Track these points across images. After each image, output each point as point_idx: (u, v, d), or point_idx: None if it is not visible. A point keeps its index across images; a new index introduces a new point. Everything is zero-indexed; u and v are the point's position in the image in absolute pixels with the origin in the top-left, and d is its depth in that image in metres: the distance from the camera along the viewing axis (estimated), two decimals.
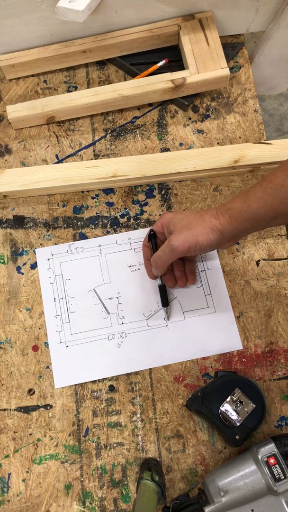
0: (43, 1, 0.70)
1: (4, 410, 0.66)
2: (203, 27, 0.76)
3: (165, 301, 0.68)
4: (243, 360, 0.68)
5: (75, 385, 0.67)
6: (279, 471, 0.55)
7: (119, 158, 0.75)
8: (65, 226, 0.74)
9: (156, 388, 0.67)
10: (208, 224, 0.59)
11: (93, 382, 0.67)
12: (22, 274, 0.71)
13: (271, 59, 0.87)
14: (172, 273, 0.69)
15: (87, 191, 0.75)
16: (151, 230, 0.68)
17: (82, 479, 0.63)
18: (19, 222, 0.74)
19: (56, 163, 0.77)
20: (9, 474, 0.63)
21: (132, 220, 0.74)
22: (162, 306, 0.68)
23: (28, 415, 0.66)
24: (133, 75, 0.80)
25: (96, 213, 0.74)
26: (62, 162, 0.77)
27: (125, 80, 0.81)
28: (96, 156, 0.77)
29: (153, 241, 0.67)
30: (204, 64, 0.75)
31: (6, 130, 0.79)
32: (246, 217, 0.56)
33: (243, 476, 0.56)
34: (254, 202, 0.55)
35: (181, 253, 0.60)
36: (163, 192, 0.75)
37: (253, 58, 0.88)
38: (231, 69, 0.81)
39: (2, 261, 0.72)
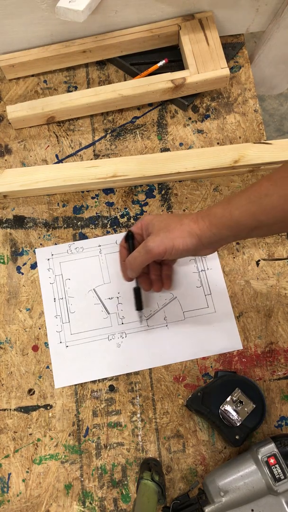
0: (43, 1, 0.70)
1: (4, 410, 0.66)
2: (203, 27, 0.76)
3: (139, 305, 0.66)
4: (243, 360, 0.68)
5: (75, 385, 0.67)
6: (279, 471, 0.55)
7: (119, 158, 0.75)
8: (65, 226, 0.74)
9: (156, 388, 0.67)
10: (187, 228, 0.57)
11: (93, 382, 0.67)
12: (22, 274, 0.71)
13: (271, 59, 0.87)
14: (148, 276, 0.67)
15: (87, 191, 0.75)
16: (129, 231, 0.66)
17: (82, 479, 0.63)
18: (19, 222, 0.74)
19: (56, 163, 0.77)
20: (9, 474, 0.63)
21: (132, 220, 0.74)
22: (136, 309, 0.67)
23: (28, 415, 0.66)
24: (133, 75, 0.80)
25: (96, 213, 0.74)
26: (62, 162, 0.77)
27: (125, 80, 0.81)
28: (96, 156, 0.77)
29: (130, 242, 0.65)
30: (204, 64, 0.75)
31: (6, 130, 0.79)
32: (227, 224, 0.55)
33: (243, 476, 0.56)
34: (236, 209, 0.53)
35: (156, 255, 0.58)
36: (163, 192, 0.75)
37: (253, 58, 0.88)
38: (231, 69, 0.81)
39: (2, 261, 0.72)
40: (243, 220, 0.53)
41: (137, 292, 0.67)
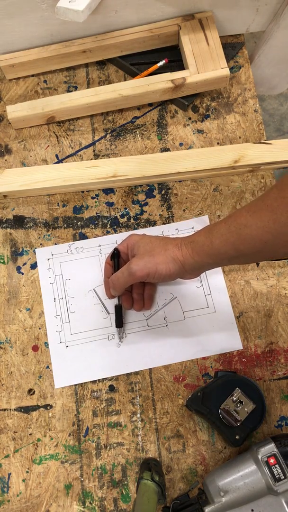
0: (43, 1, 0.70)
1: (4, 410, 0.66)
2: (203, 27, 0.76)
3: (120, 322, 0.67)
4: (243, 360, 0.68)
5: (75, 385, 0.67)
6: (279, 471, 0.55)
7: (119, 158, 0.75)
8: (65, 226, 0.74)
9: (156, 388, 0.67)
10: (170, 254, 0.59)
11: (93, 382, 0.67)
12: (22, 274, 0.71)
13: (271, 59, 0.87)
14: (130, 295, 0.68)
15: (87, 191, 0.75)
16: (115, 249, 0.67)
17: (82, 479, 0.63)
18: (19, 222, 0.74)
19: (56, 163, 0.77)
20: (9, 474, 0.63)
21: (132, 220, 0.74)
22: (116, 327, 0.67)
23: (28, 415, 0.66)
24: (133, 75, 0.80)
25: (96, 213, 0.74)
26: (62, 162, 0.77)
27: (125, 80, 0.81)
28: (96, 156, 0.77)
29: (116, 260, 0.67)
30: (204, 64, 0.75)
31: (6, 130, 0.79)
32: (208, 252, 0.56)
33: (243, 476, 0.56)
34: (217, 239, 0.55)
35: (139, 278, 0.60)
36: (163, 192, 0.75)
37: (253, 58, 0.88)
38: (231, 69, 0.81)
39: (2, 261, 0.72)
40: (224, 249, 0.54)
41: (118, 310, 0.67)
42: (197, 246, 0.57)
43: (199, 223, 0.73)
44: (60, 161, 0.77)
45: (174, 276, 0.61)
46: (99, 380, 0.67)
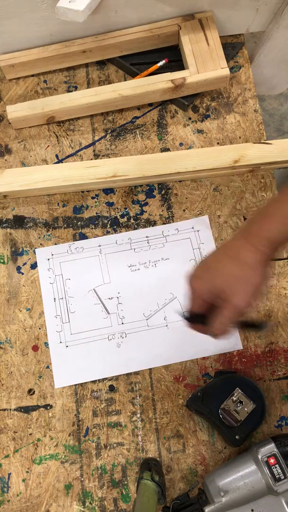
0: (43, 1, 0.70)
1: (4, 410, 0.66)
2: (203, 27, 0.76)
3: (259, 325, 0.56)
4: (243, 360, 0.68)
5: (75, 385, 0.67)
6: (279, 471, 0.55)
7: (119, 158, 0.75)
8: (65, 226, 0.74)
9: (156, 388, 0.67)
10: (250, 262, 0.51)
11: (93, 382, 0.67)
12: (22, 274, 0.71)
13: (271, 59, 0.87)
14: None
15: (87, 191, 0.75)
16: (185, 314, 0.55)
17: (82, 479, 0.63)
18: (19, 222, 0.74)
19: (56, 163, 0.77)
20: (9, 474, 0.63)
21: (132, 220, 0.74)
22: (261, 329, 0.58)
23: (28, 415, 0.66)
24: (133, 75, 0.80)
25: (96, 213, 0.74)
26: (62, 162, 0.77)
27: (125, 80, 0.81)
28: (96, 156, 0.77)
29: (199, 318, 0.53)
30: (204, 64, 0.75)
31: (6, 130, 0.79)
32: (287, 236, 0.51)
33: (243, 476, 0.56)
34: None
35: (247, 310, 0.51)
36: (163, 192, 0.75)
37: (253, 58, 0.88)
38: (231, 69, 0.81)
39: (2, 261, 0.72)
40: None
41: (246, 324, 0.56)
42: (273, 236, 0.51)
43: (199, 223, 0.73)
44: (60, 161, 0.77)
45: (266, 277, 0.52)
46: (99, 380, 0.67)
